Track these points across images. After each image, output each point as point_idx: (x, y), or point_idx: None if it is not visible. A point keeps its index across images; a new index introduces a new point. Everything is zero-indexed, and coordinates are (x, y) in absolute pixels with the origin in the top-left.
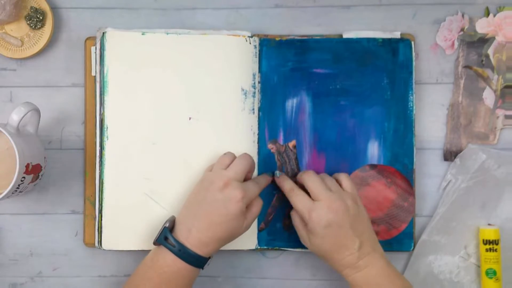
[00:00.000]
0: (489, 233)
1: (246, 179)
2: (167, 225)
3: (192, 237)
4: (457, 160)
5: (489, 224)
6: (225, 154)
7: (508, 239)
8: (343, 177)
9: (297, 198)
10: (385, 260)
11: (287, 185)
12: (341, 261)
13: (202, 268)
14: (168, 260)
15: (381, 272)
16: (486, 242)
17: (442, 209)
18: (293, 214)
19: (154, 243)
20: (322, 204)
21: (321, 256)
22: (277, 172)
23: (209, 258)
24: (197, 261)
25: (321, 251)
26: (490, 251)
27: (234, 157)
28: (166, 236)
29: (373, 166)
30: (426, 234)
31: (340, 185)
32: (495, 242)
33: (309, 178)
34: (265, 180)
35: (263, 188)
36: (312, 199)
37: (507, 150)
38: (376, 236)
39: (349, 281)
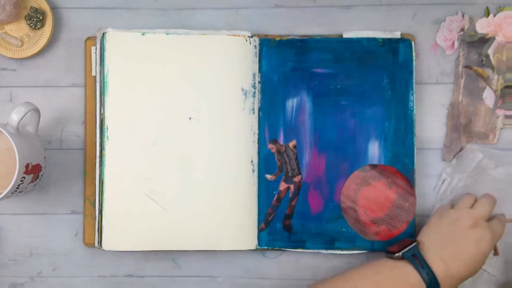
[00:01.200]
0: None
1: None
2: (415, 244)
3: (443, 268)
4: (454, 159)
5: None
6: (468, 194)
7: (506, 239)
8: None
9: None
10: None
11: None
12: None
13: None
14: (412, 279)
15: None
16: None
17: (438, 206)
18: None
19: (396, 255)
20: None
21: None
22: None
23: None
24: None
25: None
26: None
27: (476, 197)
28: (414, 253)
29: (373, 166)
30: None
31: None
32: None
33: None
34: (504, 217)
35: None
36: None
37: (507, 150)
38: None
39: None
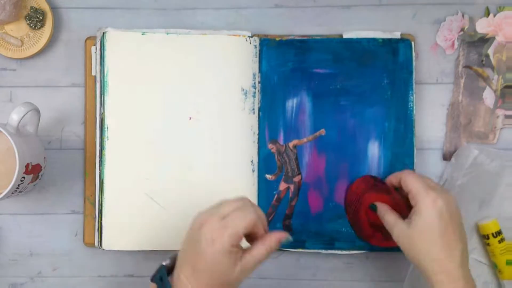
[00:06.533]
0: (494, 226)
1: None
2: (164, 263)
3: (180, 284)
4: (453, 159)
5: (486, 218)
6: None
7: (504, 231)
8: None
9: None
10: None
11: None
12: (441, 263)
13: None
14: None
15: None
16: (496, 234)
17: None
18: (383, 207)
19: (151, 280)
20: (437, 193)
21: (417, 254)
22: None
23: None
24: None
25: (422, 247)
26: (502, 241)
27: (236, 207)
28: (161, 276)
29: (373, 177)
30: None
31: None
32: (500, 232)
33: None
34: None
35: (264, 222)
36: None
37: (507, 149)
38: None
39: None
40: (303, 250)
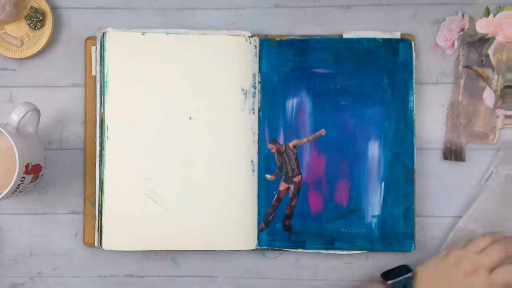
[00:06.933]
0: None
1: None
2: (410, 274)
3: None
4: (499, 152)
5: None
6: (483, 236)
7: None
8: None
9: None
10: None
11: None
12: None
13: None
14: None
15: None
16: None
17: (483, 196)
18: None
19: (385, 278)
20: None
21: None
22: None
23: None
24: None
25: None
26: None
27: (493, 240)
28: (405, 285)
29: None
30: (462, 222)
31: None
32: None
33: None
34: None
35: None
36: None
37: (507, 150)
38: None
39: None
40: (303, 250)
